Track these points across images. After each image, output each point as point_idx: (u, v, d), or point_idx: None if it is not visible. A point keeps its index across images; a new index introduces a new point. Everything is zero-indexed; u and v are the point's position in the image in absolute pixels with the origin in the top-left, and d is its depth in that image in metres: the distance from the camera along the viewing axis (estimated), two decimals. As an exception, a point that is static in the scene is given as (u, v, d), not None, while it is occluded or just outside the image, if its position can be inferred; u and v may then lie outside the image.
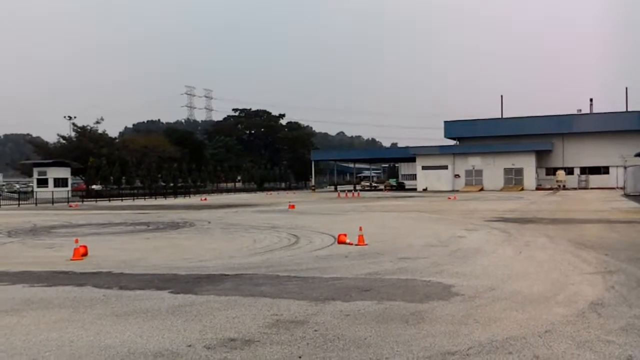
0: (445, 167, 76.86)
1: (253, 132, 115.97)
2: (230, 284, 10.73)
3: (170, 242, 18.93)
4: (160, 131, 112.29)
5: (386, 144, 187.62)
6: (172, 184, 79.33)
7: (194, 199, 62.24)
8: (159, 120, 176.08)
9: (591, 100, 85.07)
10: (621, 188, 60.16)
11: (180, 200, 60.44)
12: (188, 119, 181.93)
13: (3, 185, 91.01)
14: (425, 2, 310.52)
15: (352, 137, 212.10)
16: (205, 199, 60.09)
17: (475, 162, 75.44)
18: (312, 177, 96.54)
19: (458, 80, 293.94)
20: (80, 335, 7.26)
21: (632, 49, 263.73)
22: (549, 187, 72.48)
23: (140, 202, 57.99)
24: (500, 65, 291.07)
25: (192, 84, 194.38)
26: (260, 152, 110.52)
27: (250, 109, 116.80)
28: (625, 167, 57.64)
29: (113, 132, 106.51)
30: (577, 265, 12.18)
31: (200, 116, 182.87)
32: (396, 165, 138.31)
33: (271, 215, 31.32)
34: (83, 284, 10.99)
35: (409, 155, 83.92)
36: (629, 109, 78.32)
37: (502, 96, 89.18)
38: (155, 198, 66.42)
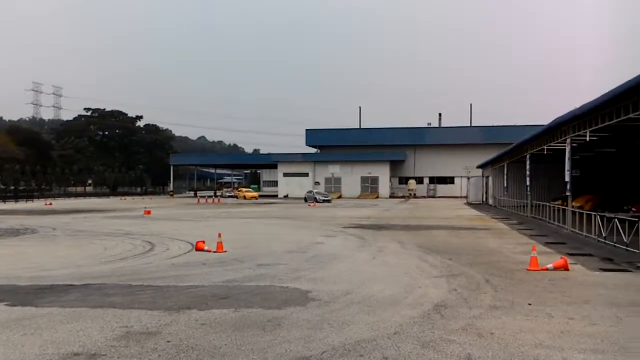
0: (306, 175, 78.53)
1: (107, 133, 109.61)
2: (76, 294, 10.01)
3: (8, 250, 17.31)
4: (1, 129, 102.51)
5: (248, 150, 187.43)
6: (13, 187, 72.63)
7: (38, 204, 57.63)
8: (1, 117, 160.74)
9: (440, 114, 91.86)
10: (464, 197, 65.34)
11: (22, 205, 55.63)
12: (34, 117, 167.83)
13: None
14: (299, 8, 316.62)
15: (213, 142, 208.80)
16: (51, 204, 55.83)
17: (334, 170, 77.91)
18: (170, 182, 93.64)
19: (319, 87, 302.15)
20: None
21: (478, 65, 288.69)
22: (402, 195, 76.80)
23: (-26, 206, 52.45)
24: (355, 76, 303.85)
25: (39, 79, 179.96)
26: (114, 155, 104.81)
27: (104, 109, 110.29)
28: (468, 178, 62.71)
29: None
30: (424, 269, 12.95)
31: (47, 115, 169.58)
32: (258, 171, 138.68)
33: (125, 222, 29.86)
34: None
35: (271, 162, 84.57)
36: (473, 124, 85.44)
37: (360, 107, 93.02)
38: (-6, 202, 60.45)
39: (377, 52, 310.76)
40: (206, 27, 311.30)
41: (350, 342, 7.01)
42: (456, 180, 78.07)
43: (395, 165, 79.95)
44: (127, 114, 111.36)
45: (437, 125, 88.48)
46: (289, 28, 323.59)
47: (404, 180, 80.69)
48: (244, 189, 79.83)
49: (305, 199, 58.81)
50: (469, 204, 54.37)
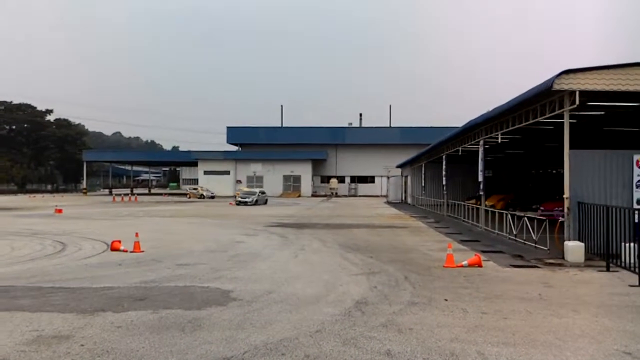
0: (228, 173, 77.56)
1: (14, 127, 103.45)
2: (-21, 298, 9.37)
3: None
4: None
5: (167, 146, 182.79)
6: None
7: (-62, 201, 53.64)
8: None
9: (360, 115, 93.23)
10: (385, 196, 66.80)
11: None
12: None
13: None
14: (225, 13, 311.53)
15: (129, 138, 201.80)
16: (-48, 202, 52.16)
17: (256, 168, 77.41)
18: (83, 179, 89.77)
19: (240, 84, 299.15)
20: None
21: (402, 72, 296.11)
22: (324, 194, 77.49)
23: None
24: (287, 74, 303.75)
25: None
26: (22, 150, 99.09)
27: (11, 101, 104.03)
28: (388, 177, 64.11)
29: None
30: (345, 267, 13.11)
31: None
32: (177, 169, 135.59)
33: (34, 220, 28.34)
34: None
35: (191, 159, 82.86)
36: (392, 125, 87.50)
37: (282, 106, 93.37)
38: None
39: (298, 52, 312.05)
40: (131, 18, 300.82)
41: (272, 341, 6.98)
42: (377, 179, 79.61)
43: (317, 164, 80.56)
44: (36, 107, 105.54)
45: (358, 126, 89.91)
46: (213, 24, 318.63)
47: (326, 179, 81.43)
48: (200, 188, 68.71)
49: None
50: (388, 202, 55.62)
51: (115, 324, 7.70)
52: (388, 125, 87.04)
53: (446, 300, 9.44)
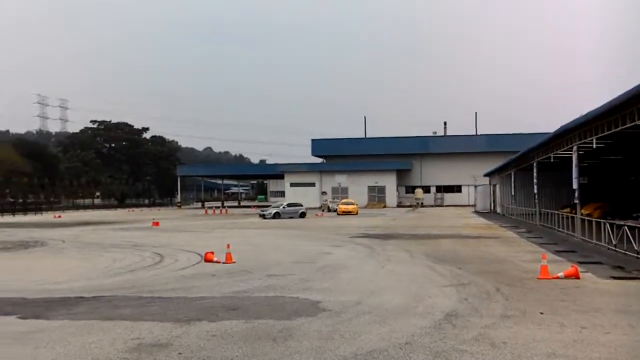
0: (313, 185, 78.54)
1: (113, 145, 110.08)
2: (86, 307, 10.03)
3: (19, 263, 17.41)
4: (7, 142, 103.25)
5: (254, 160, 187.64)
6: (22, 200, 73.00)
7: (47, 216, 57.82)
8: (7, 131, 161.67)
9: (445, 123, 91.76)
10: (472, 205, 65.16)
11: (31, 218, 55.84)
12: (40, 130, 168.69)
13: None
14: (293, 24, 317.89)
15: (219, 152, 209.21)
16: (60, 216, 56.05)
17: (341, 179, 77.89)
18: (177, 194, 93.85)
19: (327, 99, 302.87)
20: None
21: (480, 74, 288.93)
22: (409, 204, 76.63)
23: (-17, 219, 52.72)
24: (364, 86, 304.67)
25: (44, 92, 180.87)
26: (121, 167, 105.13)
27: (110, 120, 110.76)
28: (475, 187, 62.55)
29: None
30: (433, 279, 12.91)
31: (54, 127, 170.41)
32: (265, 182, 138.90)
33: (133, 233, 29.93)
34: None
35: (277, 172, 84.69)
36: (478, 132, 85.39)
37: (365, 117, 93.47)
38: (3, 215, 60.73)
39: (380, 63, 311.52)
40: (211, 38, 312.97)
41: (361, 352, 6.99)
42: (463, 188, 77.87)
43: (402, 174, 79.88)
44: (133, 126, 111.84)
45: (443, 134, 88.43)
46: (289, 35, 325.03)
47: (410, 190, 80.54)
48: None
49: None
50: (476, 212, 54.21)
51: (210, 333, 7.99)
52: (474, 133, 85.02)
53: (542, 313, 9.08)
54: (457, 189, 79.94)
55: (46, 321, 8.88)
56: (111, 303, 10.37)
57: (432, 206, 74.76)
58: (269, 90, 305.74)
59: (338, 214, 52.07)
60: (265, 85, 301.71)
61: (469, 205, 69.89)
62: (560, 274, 12.57)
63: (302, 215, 47.15)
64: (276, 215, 45.14)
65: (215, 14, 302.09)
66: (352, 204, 55.41)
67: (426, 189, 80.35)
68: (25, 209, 67.71)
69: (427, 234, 27.23)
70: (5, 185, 71.63)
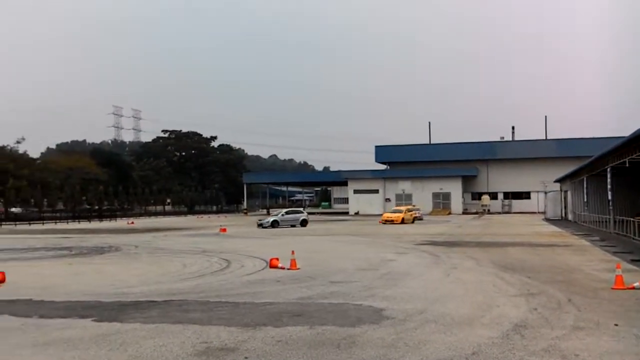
0: (377, 191, 78.24)
1: (183, 154, 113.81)
2: (157, 310, 10.40)
3: (94, 268, 18.22)
4: (85, 152, 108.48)
5: (318, 167, 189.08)
6: (97, 207, 76.50)
7: (121, 223, 60.26)
8: (84, 140, 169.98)
9: (513, 128, 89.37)
10: (542, 212, 63.04)
11: (106, 224, 58.39)
12: (115, 139, 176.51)
13: None
14: (351, 28, 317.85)
15: (284, 160, 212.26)
16: (133, 223, 58.28)
17: (405, 186, 77.23)
18: (244, 200, 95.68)
19: (389, 105, 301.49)
20: (-7, 369, 6.82)
21: (551, 77, 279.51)
22: (475, 211, 75.02)
23: (63, 225, 55.54)
24: (428, 92, 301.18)
25: (119, 103, 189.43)
26: (191, 175, 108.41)
27: (181, 130, 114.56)
28: (545, 193, 60.52)
29: (35, 152, 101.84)
30: (501, 288, 12.60)
31: (127, 137, 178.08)
32: (328, 189, 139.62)
33: (202, 239, 30.75)
34: (-1, 312, 10.37)
35: (341, 179, 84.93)
36: (548, 137, 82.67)
37: (429, 123, 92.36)
38: (79, 221, 63.78)
39: (445, 69, 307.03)
40: (271, 49, 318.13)
41: (426, 361, 6.92)
42: (532, 195, 75.49)
43: (468, 181, 78.33)
44: (202, 135, 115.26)
45: (511, 139, 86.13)
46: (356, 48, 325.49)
47: (477, 196, 78.84)
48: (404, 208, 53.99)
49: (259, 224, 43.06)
50: (546, 219, 52.43)
51: (275, 338, 8.12)
52: (544, 138, 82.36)
53: (616, 325, 8.69)
54: (525, 195, 77.59)
55: (119, 324, 9.27)
56: (181, 307, 10.71)
57: (499, 213, 72.85)
58: (332, 98, 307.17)
59: (379, 222, 48.28)
60: (328, 93, 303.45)
61: (538, 212, 67.68)
62: (636, 284, 11.98)
63: (304, 223, 44.03)
64: (274, 224, 42.08)
65: (273, 28, 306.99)
66: (400, 212, 50.39)
67: (493, 196, 78.41)
68: (100, 216, 70.89)
69: (494, 241, 26.58)
70: (82, 193, 75.20)
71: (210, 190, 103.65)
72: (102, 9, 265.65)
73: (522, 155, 77.50)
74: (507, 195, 79.07)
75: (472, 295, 11.72)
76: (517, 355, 7.17)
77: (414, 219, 50.89)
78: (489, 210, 74.67)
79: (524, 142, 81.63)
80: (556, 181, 57.66)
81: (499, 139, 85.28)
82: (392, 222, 47.83)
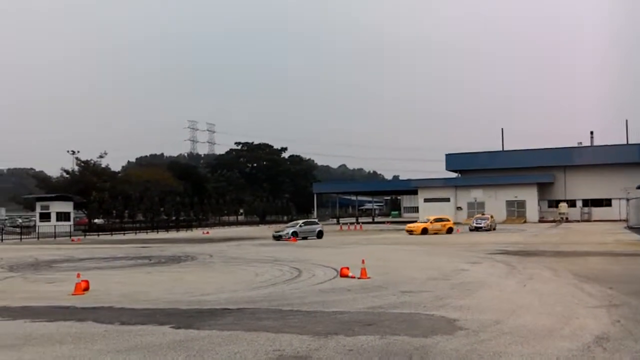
0: (448, 200, 76.77)
1: (255, 165, 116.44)
2: (232, 318, 10.66)
3: (172, 276, 18.87)
4: (163, 165, 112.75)
5: (388, 176, 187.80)
6: (174, 218, 79.27)
7: (197, 232, 62.10)
8: (162, 154, 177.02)
9: (592, 133, 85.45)
10: (624, 220, 59.91)
11: (182, 234, 60.31)
12: (191, 152, 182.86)
13: (5, 219, 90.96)
14: (424, 36, 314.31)
15: (353, 169, 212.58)
16: (208, 232, 59.95)
17: (477, 194, 75.41)
18: (314, 210, 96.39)
19: (459, 113, 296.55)
20: (80, 371, 7.19)
21: (633, 82, 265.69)
22: (552, 219, 72.18)
23: (142, 235, 57.89)
24: (499, 100, 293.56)
25: (194, 117, 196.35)
26: (262, 185, 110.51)
27: (253, 142, 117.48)
28: (627, 200, 57.49)
29: (116, 165, 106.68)
30: (581, 299, 12.09)
31: (202, 150, 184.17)
32: (398, 197, 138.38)
33: (273, 249, 31.21)
34: (84, 319, 10.92)
35: (410, 188, 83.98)
36: (629, 142, 78.65)
37: (502, 129, 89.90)
38: (158, 232, 66.28)
39: (517, 70, 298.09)
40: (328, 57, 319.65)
41: (502, 373, 6.74)
42: (614, 202, 71.88)
43: (544, 188, 75.53)
44: (272, 146, 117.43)
45: (589, 144, 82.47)
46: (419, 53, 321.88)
47: (553, 204, 75.82)
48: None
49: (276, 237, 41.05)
50: (629, 227, 49.71)
51: (346, 347, 8.14)
52: (625, 142, 78.39)
53: None
54: (606, 202, 73.94)
55: (196, 331, 9.56)
56: (254, 315, 10.92)
57: (577, 221, 69.81)
58: (399, 106, 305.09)
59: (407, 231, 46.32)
60: (395, 101, 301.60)
61: (620, 220, 64.29)
62: None
63: (320, 234, 42.33)
64: (294, 235, 40.43)
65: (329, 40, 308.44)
66: (427, 221, 47.45)
67: (571, 203, 75.17)
68: (177, 226, 73.36)
69: (573, 250, 25.51)
70: (160, 204, 78.16)
71: (281, 200, 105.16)
72: (180, 21, 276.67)
73: (602, 160, 73.97)
74: (586, 203, 75.66)
75: (550, 306, 11.30)
76: (599, 369, 6.87)
77: (449, 230, 46.98)
78: (567, 218, 71.69)
79: (603, 147, 77.99)
80: (639, 187, 54.66)
81: (576, 145, 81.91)
82: (411, 232, 45.66)
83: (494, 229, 49.23)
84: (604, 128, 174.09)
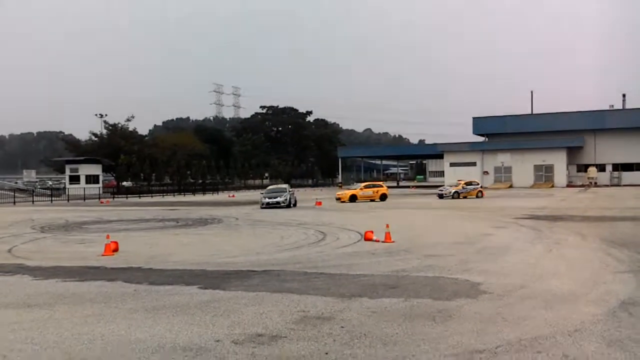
0: (474, 164, 75.93)
1: (280, 129, 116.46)
2: (257, 280, 10.82)
3: (198, 238, 19.18)
4: (189, 129, 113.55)
5: (413, 140, 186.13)
6: (200, 181, 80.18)
7: (222, 196, 62.77)
8: (188, 118, 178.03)
9: (624, 95, 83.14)
10: (656, 185, 58.73)
11: (208, 197, 61.02)
12: (216, 116, 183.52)
13: (36, 182, 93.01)
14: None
15: (379, 133, 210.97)
16: (233, 196, 60.54)
17: (504, 158, 74.37)
18: (339, 174, 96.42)
19: (486, 76, 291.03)
20: (111, 330, 7.41)
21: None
22: (580, 184, 71.05)
23: (169, 198, 58.76)
24: (527, 61, 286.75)
25: (220, 81, 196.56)
26: (287, 149, 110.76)
27: (278, 106, 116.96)
28: (659, 164, 56.20)
29: (143, 129, 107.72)
30: (609, 264, 11.96)
31: (228, 113, 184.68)
32: (423, 162, 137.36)
33: (298, 212, 31.41)
34: (114, 279, 11.21)
35: (436, 152, 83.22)
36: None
37: (532, 92, 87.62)
38: (184, 194, 67.19)
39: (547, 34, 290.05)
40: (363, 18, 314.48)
41: (526, 337, 6.74)
42: (645, 167, 70.49)
43: (573, 152, 74.16)
44: (298, 110, 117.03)
45: (621, 108, 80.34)
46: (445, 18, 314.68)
47: (582, 168, 74.50)
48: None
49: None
50: (661, 192, 48.78)
51: (370, 309, 8.22)
52: (659, 105, 76.14)
53: None
54: (637, 167, 72.40)
55: (222, 292, 9.73)
56: (279, 277, 11.07)
57: (607, 186, 68.63)
58: (425, 68, 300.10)
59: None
60: (423, 63, 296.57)
61: (652, 185, 63.14)
62: None
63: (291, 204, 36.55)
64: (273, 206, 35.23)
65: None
66: (379, 186, 43.97)
67: (601, 168, 73.75)
68: (203, 189, 74.25)
69: (601, 215, 25.15)
70: (186, 167, 79.01)
71: (306, 164, 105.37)
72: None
73: (634, 124, 72.11)
74: (616, 167, 74.18)
75: (576, 271, 11.23)
76: (624, 332, 6.82)
77: (383, 196, 42.38)
78: (596, 183, 70.51)
79: (635, 110, 75.90)
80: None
81: (607, 108, 79.88)
82: (339, 200, 41.65)
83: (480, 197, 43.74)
84: (636, 91, 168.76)
